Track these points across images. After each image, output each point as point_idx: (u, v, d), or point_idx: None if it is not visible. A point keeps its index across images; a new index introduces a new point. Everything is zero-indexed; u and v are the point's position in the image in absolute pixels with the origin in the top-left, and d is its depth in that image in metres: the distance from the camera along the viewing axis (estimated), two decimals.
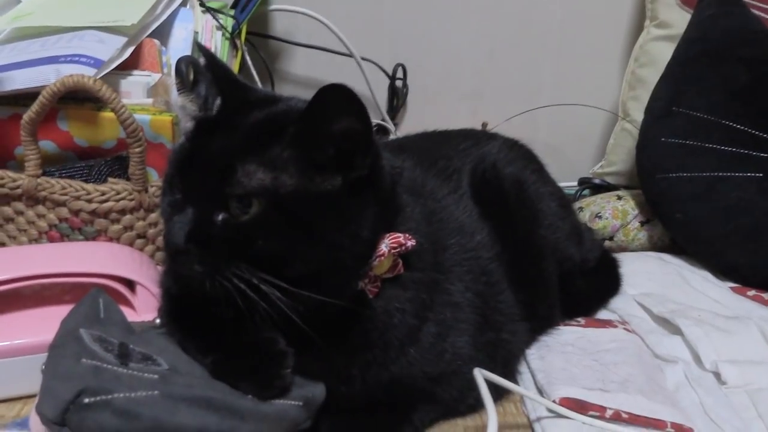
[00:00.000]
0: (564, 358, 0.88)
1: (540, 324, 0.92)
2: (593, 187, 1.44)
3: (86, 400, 0.57)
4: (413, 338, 0.71)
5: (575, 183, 1.46)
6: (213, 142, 0.64)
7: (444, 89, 1.54)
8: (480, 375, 0.72)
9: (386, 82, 1.51)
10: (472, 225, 0.86)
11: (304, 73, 1.52)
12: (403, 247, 0.68)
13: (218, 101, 0.70)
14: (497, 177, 0.94)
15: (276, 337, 0.66)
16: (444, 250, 0.79)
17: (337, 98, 0.59)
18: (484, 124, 1.49)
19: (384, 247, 0.66)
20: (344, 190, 0.63)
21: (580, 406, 0.77)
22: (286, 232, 0.61)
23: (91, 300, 0.71)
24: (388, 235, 0.67)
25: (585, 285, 1.02)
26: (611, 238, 1.25)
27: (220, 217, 0.62)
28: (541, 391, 0.82)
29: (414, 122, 1.53)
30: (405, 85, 1.53)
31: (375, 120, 1.48)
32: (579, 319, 0.98)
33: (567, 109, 1.48)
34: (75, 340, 0.63)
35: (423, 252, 0.73)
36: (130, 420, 0.58)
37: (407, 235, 0.68)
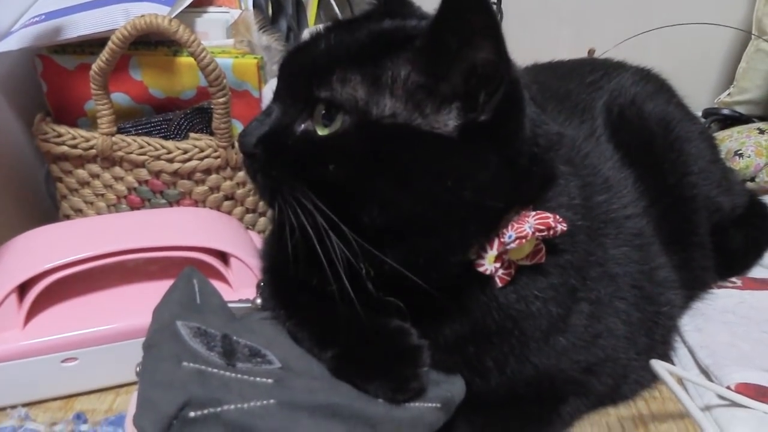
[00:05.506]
0: (727, 331, 0.75)
1: (693, 288, 0.79)
2: (722, 118, 1.26)
3: (192, 414, 0.48)
4: (560, 327, 0.59)
5: (699, 115, 1.28)
6: (323, 43, 0.55)
7: (543, 13, 1.40)
8: (662, 369, 0.59)
9: None
10: (617, 176, 0.73)
11: None
12: (552, 231, 0.54)
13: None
14: (640, 116, 0.81)
15: (408, 328, 0.55)
16: (592, 211, 0.65)
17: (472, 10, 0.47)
18: (591, 51, 1.33)
19: (527, 228, 0.53)
20: (457, 135, 0.51)
21: (760, 394, 0.64)
22: (366, 163, 0.50)
23: (185, 283, 0.61)
24: (533, 213, 0.54)
25: (737, 238, 0.87)
26: (752, 179, 1.08)
27: (301, 127, 0.53)
28: (706, 373, 0.70)
29: (510, 51, 1.36)
30: (500, 10, 1.38)
31: None
32: (733, 279, 0.85)
33: (683, 29, 1.30)
34: (172, 337, 0.53)
35: (576, 231, 0.60)
36: None
37: (557, 217, 0.55)
